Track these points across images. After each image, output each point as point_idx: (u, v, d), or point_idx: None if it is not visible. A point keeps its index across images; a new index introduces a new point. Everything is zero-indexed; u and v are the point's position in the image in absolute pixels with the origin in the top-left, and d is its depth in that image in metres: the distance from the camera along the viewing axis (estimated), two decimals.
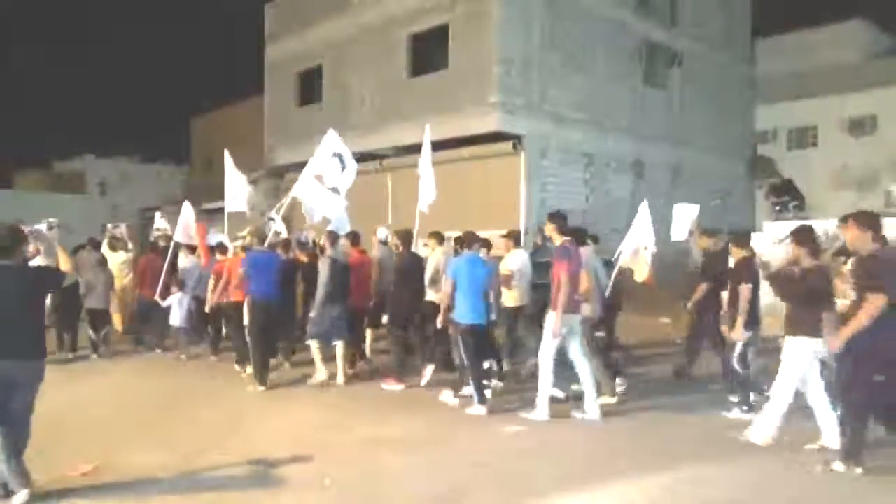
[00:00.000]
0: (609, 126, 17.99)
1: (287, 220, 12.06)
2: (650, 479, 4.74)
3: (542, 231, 8.11)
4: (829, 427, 5.17)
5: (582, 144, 17.41)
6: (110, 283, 10.06)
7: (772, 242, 9.98)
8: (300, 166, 9.48)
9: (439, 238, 8.12)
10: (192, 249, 10.41)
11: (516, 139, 15.75)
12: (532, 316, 7.70)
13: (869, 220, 4.74)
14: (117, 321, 10.86)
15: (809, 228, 5.49)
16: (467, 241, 7.04)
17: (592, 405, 6.24)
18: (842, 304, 5.23)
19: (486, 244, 7.75)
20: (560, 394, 6.87)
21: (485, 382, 6.84)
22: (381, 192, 15.94)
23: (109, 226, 13.17)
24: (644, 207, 8.17)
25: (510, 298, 7.79)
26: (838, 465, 4.70)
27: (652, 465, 4.99)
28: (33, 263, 5.94)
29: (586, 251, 6.99)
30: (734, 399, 6.50)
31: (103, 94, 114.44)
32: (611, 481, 4.70)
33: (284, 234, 10.25)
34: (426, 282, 7.83)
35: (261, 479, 4.79)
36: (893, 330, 4.50)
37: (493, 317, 7.52)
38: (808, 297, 5.11)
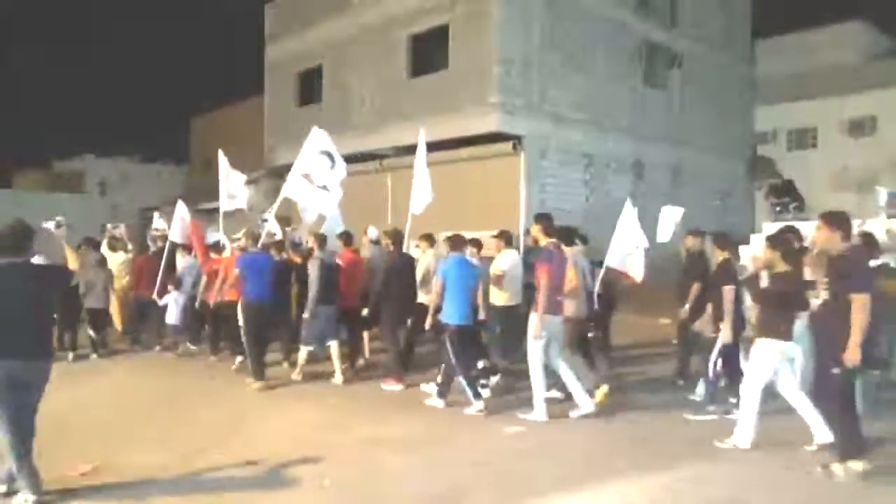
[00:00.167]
0: (609, 126, 18.00)
1: (287, 219, 12.08)
2: (650, 478, 4.75)
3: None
4: (817, 424, 5.20)
5: (582, 145, 17.42)
6: (110, 283, 10.09)
7: None
8: None
9: (430, 240, 8.12)
10: (188, 249, 10.44)
11: (516, 139, 15.76)
12: (525, 315, 7.72)
13: (839, 221, 4.78)
14: (116, 321, 10.87)
15: (785, 231, 5.53)
16: (455, 243, 7.08)
17: (583, 398, 6.28)
18: (814, 303, 5.26)
19: (476, 244, 7.75)
20: (558, 394, 6.90)
21: (482, 381, 6.83)
22: (381, 192, 15.95)
23: (109, 226, 13.19)
24: (628, 207, 8.19)
25: (501, 298, 7.80)
26: (837, 468, 4.69)
27: (652, 465, 4.99)
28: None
29: (574, 251, 7.02)
30: (697, 398, 6.54)
31: (103, 94, 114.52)
32: (610, 481, 4.70)
33: (279, 236, 10.30)
34: (417, 283, 7.85)
35: (260, 480, 4.79)
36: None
37: (482, 317, 7.57)
38: (779, 301, 5.16)
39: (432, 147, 15.78)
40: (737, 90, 22.91)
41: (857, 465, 4.63)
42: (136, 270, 10.78)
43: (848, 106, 25.16)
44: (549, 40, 16.48)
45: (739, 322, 6.22)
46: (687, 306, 7.38)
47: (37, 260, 6.21)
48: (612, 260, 7.81)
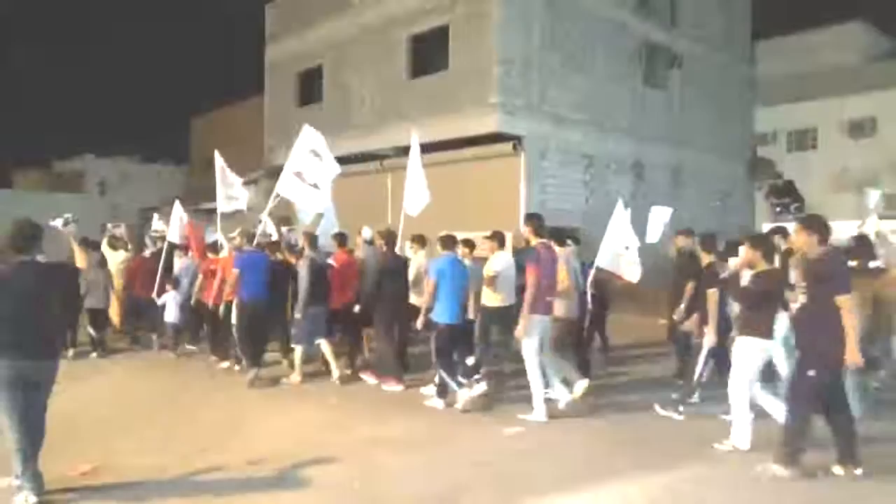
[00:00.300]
0: (609, 127, 18.00)
1: (288, 219, 12.08)
2: (650, 478, 4.75)
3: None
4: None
5: (582, 145, 17.42)
6: (110, 283, 10.16)
7: None
8: None
9: (422, 241, 8.15)
10: (185, 250, 10.52)
11: (516, 140, 15.76)
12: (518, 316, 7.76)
13: (816, 225, 4.82)
14: (115, 320, 10.89)
15: (775, 231, 5.55)
16: (446, 243, 7.13)
17: (560, 391, 6.37)
18: (793, 307, 5.27)
19: (469, 245, 7.78)
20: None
21: (461, 380, 6.93)
22: (381, 192, 15.93)
23: (109, 225, 13.24)
24: (620, 207, 8.27)
25: (495, 299, 7.84)
26: (837, 469, 4.70)
27: (652, 465, 4.99)
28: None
29: (566, 252, 7.02)
30: (674, 396, 6.58)
31: (103, 94, 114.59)
32: (610, 481, 4.70)
33: (275, 236, 10.37)
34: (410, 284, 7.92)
35: (261, 480, 4.78)
36: (836, 330, 4.54)
37: (472, 316, 7.64)
38: (761, 299, 5.19)
39: (432, 147, 15.84)
40: (737, 91, 22.91)
41: (782, 471, 4.64)
42: (131, 270, 10.80)
43: (848, 107, 25.20)
44: (549, 41, 16.48)
45: (724, 325, 6.24)
46: (682, 306, 7.39)
47: (40, 258, 6.21)
48: (602, 260, 7.90)
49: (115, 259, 11.00)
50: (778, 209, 12.24)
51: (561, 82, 16.84)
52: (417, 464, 5.12)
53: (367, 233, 9.36)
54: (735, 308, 5.87)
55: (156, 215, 13.35)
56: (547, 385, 6.59)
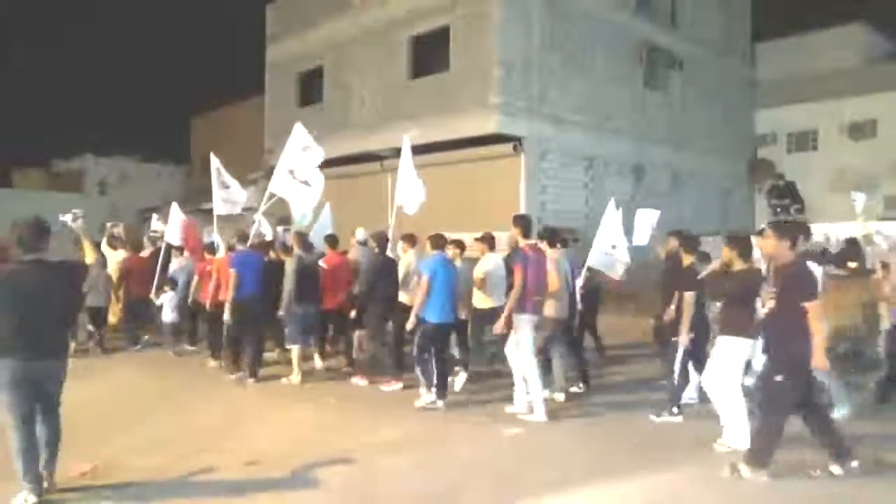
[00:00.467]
0: (609, 128, 18.01)
1: (287, 220, 12.08)
2: (650, 478, 4.74)
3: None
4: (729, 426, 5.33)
5: (582, 147, 17.42)
6: (109, 282, 10.22)
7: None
8: None
9: (412, 240, 8.20)
10: (181, 251, 10.60)
11: (516, 141, 15.76)
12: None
13: (787, 231, 4.87)
14: (113, 318, 10.91)
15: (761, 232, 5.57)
16: (437, 242, 7.20)
17: (538, 405, 6.37)
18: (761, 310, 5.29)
19: (459, 245, 7.83)
20: (560, 396, 6.90)
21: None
22: (381, 192, 15.89)
23: (108, 224, 13.28)
24: (611, 207, 8.37)
25: (485, 301, 7.88)
26: (836, 469, 4.69)
27: (651, 466, 4.97)
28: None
29: (557, 253, 7.09)
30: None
31: (103, 94, 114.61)
32: (610, 481, 4.69)
33: (269, 236, 10.43)
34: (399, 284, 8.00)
35: (260, 480, 4.78)
36: (807, 334, 4.58)
37: (463, 316, 7.71)
38: (740, 298, 5.21)
39: (433, 148, 15.85)
40: (737, 92, 22.93)
41: (761, 475, 4.63)
42: (126, 270, 10.80)
43: (848, 108, 25.19)
44: (550, 42, 16.49)
45: (704, 327, 6.23)
46: (672, 307, 7.40)
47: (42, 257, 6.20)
48: (592, 260, 8.05)
49: (115, 258, 11.02)
50: (778, 210, 12.20)
51: (561, 83, 16.84)
52: (416, 464, 5.11)
53: (360, 234, 9.43)
54: (715, 309, 5.89)
55: (155, 216, 13.40)
56: (545, 385, 6.62)
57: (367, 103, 18.71)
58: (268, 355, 8.99)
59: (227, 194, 10.28)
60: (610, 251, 8.19)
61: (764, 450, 4.68)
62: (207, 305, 8.90)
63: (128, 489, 4.53)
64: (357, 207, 12.71)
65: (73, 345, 9.40)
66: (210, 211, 10.40)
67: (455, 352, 7.89)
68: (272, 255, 9.16)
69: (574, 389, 7.20)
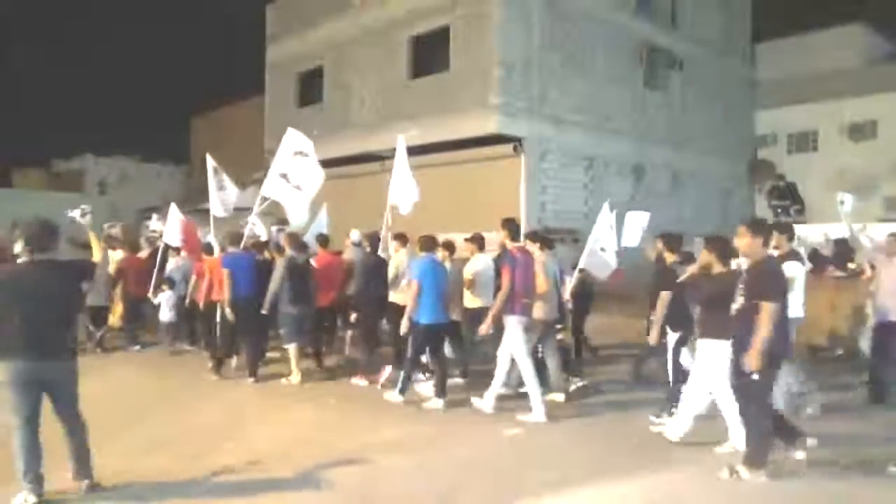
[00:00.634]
0: (609, 129, 18.01)
1: (285, 221, 12.09)
2: (650, 479, 4.74)
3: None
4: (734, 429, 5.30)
5: (582, 147, 17.42)
6: (110, 281, 10.25)
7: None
8: None
9: (403, 240, 8.24)
10: (178, 251, 10.65)
11: (517, 141, 15.75)
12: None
13: (761, 229, 4.87)
14: (113, 318, 10.91)
15: (724, 237, 5.59)
16: (426, 244, 7.22)
17: (490, 397, 6.46)
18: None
19: (449, 247, 7.90)
20: (559, 397, 6.90)
21: (420, 377, 7.14)
22: (381, 193, 15.90)
23: (106, 225, 13.32)
24: (605, 209, 8.48)
25: (475, 301, 7.91)
26: (743, 471, 4.68)
27: (651, 466, 4.98)
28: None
29: (544, 255, 7.15)
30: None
31: (103, 94, 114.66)
32: (610, 481, 4.69)
33: (264, 237, 10.49)
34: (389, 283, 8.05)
35: (260, 480, 4.78)
36: (776, 331, 4.59)
37: (455, 317, 7.74)
38: (720, 301, 5.19)
39: (433, 149, 15.83)
40: (737, 93, 22.93)
41: (760, 476, 4.63)
42: (122, 270, 10.81)
43: (848, 109, 25.22)
44: (550, 42, 16.49)
45: (691, 326, 6.24)
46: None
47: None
48: (582, 261, 8.20)
49: (114, 258, 11.03)
50: (779, 211, 12.22)
51: (561, 84, 16.84)
52: (416, 464, 5.11)
53: (354, 235, 9.50)
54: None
55: (155, 216, 13.43)
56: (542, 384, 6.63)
57: (367, 103, 18.71)
58: (269, 355, 9.00)
59: (224, 196, 10.31)
60: (599, 253, 8.32)
61: (759, 450, 4.68)
62: (201, 305, 8.96)
63: (128, 489, 4.52)
64: (357, 208, 12.71)
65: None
66: (209, 211, 10.41)
67: (447, 352, 7.87)
68: (266, 255, 9.20)
69: (555, 397, 6.92)
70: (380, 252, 8.59)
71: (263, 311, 7.99)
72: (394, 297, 7.91)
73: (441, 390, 6.83)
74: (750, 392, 4.71)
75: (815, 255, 9.34)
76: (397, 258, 8.08)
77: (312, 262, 8.70)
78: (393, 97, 17.91)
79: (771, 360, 4.63)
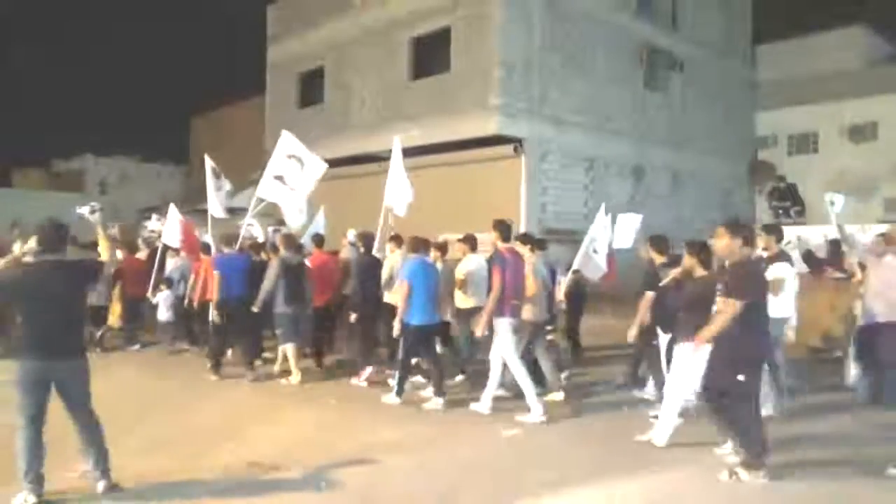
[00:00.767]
0: (610, 129, 18.01)
1: (283, 222, 12.11)
2: (650, 479, 4.74)
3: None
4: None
5: (582, 148, 17.42)
6: (109, 281, 10.19)
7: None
8: None
9: (398, 241, 8.26)
10: (176, 251, 10.69)
11: (517, 142, 15.76)
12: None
13: (740, 229, 4.88)
14: (113, 319, 10.92)
15: (703, 241, 5.62)
16: (416, 245, 7.26)
17: (486, 399, 6.49)
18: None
19: (441, 248, 7.92)
20: (559, 396, 6.90)
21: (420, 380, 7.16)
22: (381, 193, 15.91)
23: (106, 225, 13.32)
24: (601, 213, 8.62)
25: (467, 302, 7.93)
26: (742, 473, 4.67)
27: (651, 466, 4.98)
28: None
29: (534, 257, 7.19)
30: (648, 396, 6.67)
31: (103, 94, 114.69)
32: (610, 482, 4.69)
33: (260, 238, 10.53)
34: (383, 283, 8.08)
35: (260, 480, 4.78)
36: (756, 331, 4.66)
37: (447, 318, 7.77)
38: (700, 304, 5.22)
39: (433, 149, 15.84)
40: (737, 94, 22.94)
41: (758, 476, 4.62)
42: (119, 271, 10.81)
43: (849, 111, 25.20)
44: (550, 43, 16.50)
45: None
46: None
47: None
48: (576, 262, 8.28)
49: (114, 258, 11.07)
50: (779, 212, 12.25)
51: (562, 85, 16.85)
52: (416, 464, 5.11)
53: (351, 236, 9.53)
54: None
55: (154, 216, 13.44)
56: (539, 383, 6.66)
57: (368, 104, 18.72)
58: (267, 355, 9.00)
59: (222, 196, 10.36)
60: (592, 255, 8.40)
61: (755, 450, 4.67)
62: (195, 304, 9.00)
63: (127, 490, 4.52)
64: (357, 208, 12.69)
65: None
66: (208, 211, 10.45)
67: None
68: (263, 255, 9.22)
69: (555, 396, 6.95)
70: (376, 253, 8.59)
71: (254, 309, 8.00)
72: (388, 298, 7.93)
73: (439, 390, 6.84)
74: (739, 393, 4.70)
75: (809, 257, 9.36)
76: (392, 259, 8.10)
77: (307, 262, 8.71)
78: (393, 98, 17.92)
79: (752, 358, 4.66)
